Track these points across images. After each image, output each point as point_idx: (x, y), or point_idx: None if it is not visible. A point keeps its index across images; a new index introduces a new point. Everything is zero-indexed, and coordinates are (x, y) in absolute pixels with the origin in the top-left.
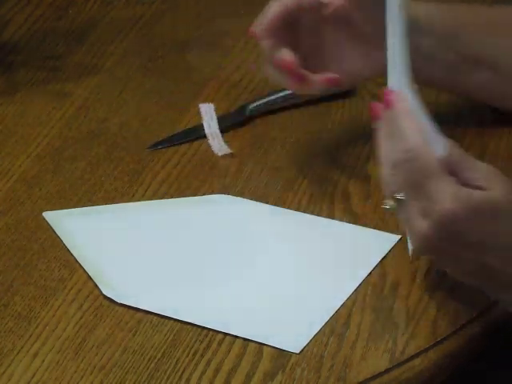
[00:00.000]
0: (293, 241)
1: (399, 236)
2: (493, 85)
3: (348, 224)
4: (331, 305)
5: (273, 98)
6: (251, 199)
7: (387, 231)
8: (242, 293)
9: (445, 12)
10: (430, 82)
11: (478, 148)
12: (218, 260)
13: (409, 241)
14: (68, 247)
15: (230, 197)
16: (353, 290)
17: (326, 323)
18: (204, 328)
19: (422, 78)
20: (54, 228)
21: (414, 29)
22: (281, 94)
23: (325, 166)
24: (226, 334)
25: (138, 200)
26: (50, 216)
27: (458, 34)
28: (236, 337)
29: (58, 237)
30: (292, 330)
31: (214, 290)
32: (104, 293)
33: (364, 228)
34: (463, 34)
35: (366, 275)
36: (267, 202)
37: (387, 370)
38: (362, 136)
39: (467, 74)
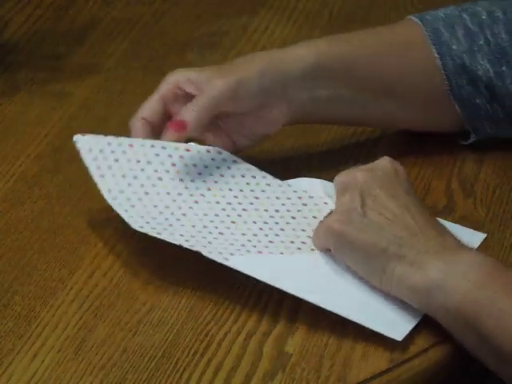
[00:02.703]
0: None
1: (485, 234)
2: (395, 110)
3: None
4: None
5: None
6: None
7: None
8: (343, 273)
9: (334, 53)
10: (337, 121)
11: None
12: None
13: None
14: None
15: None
16: None
17: (325, 324)
18: (205, 328)
19: (328, 119)
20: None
21: (307, 79)
22: None
23: (323, 168)
24: (225, 334)
25: None
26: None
27: (350, 71)
28: (236, 337)
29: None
30: (394, 317)
31: (313, 266)
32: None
33: (455, 224)
34: (355, 71)
35: None
36: None
37: (387, 370)
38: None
39: (370, 106)
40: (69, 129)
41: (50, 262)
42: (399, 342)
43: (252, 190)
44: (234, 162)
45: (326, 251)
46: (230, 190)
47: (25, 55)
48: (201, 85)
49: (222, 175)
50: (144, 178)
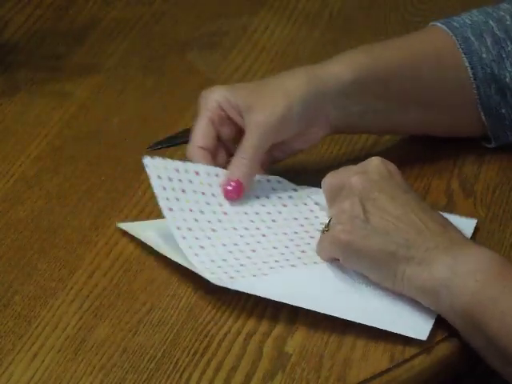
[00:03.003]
0: None
1: (475, 220)
2: (423, 118)
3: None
4: None
5: None
6: None
7: None
8: (359, 281)
9: (370, 70)
10: (367, 132)
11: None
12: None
13: None
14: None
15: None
16: None
17: (325, 324)
18: (205, 328)
19: (359, 131)
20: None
21: (342, 95)
22: None
23: (321, 169)
24: (225, 334)
25: (138, 200)
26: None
27: (384, 86)
28: (236, 337)
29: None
30: (413, 318)
31: (328, 279)
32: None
33: (444, 213)
34: (389, 85)
35: None
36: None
37: (387, 370)
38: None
39: (400, 117)
40: (69, 129)
41: (50, 261)
42: (399, 342)
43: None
44: (294, 190)
45: (332, 261)
46: (296, 218)
47: (25, 55)
48: (242, 112)
49: (284, 205)
50: (210, 213)
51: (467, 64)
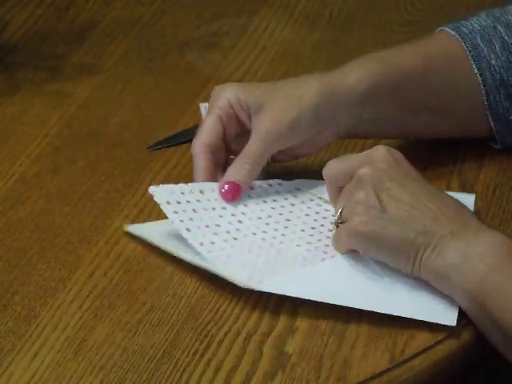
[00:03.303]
0: None
1: (473, 194)
2: (434, 123)
3: None
4: None
5: None
6: None
7: None
8: (380, 270)
9: (383, 79)
10: (376, 137)
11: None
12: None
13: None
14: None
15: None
16: None
17: (325, 324)
18: (205, 328)
19: (368, 136)
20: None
21: (355, 104)
22: None
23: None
24: (225, 334)
25: (138, 200)
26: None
27: (397, 95)
28: (236, 337)
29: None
30: (438, 305)
31: (353, 272)
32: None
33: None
34: (401, 94)
35: None
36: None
37: (387, 370)
38: None
39: (410, 122)
40: (69, 129)
41: (50, 261)
42: (399, 342)
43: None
44: (297, 189)
45: (349, 253)
46: (307, 215)
47: (25, 55)
48: (251, 113)
49: (293, 204)
50: (226, 224)
51: (476, 71)
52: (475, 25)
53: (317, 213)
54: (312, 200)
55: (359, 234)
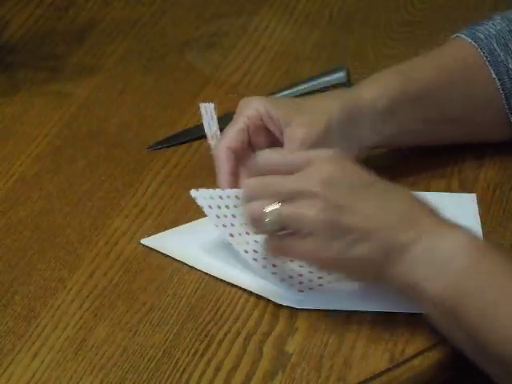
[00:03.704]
0: None
1: (474, 194)
2: (453, 132)
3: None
4: None
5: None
6: None
7: None
8: None
9: (403, 95)
10: (390, 148)
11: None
12: None
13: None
14: None
15: None
16: None
17: (325, 324)
18: (205, 328)
19: (385, 147)
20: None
21: (376, 120)
22: (280, 94)
23: None
24: (225, 334)
25: (138, 200)
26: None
27: (416, 109)
28: (236, 337)
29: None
30: None
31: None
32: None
33: (443, 193)
34: (421, 108)
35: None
36: None
37: (387, 370)
38: None
39: (431, 132)
40: (69, 129)
41: (50, 261)
42: (399, 342)
43: None
44: None
45: None
46: None
47: (25, 55)
48: (280, 125)
49: None
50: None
51: (494, 76)
52: (491, 29)
53: None
54: None
55: (320, 261)
